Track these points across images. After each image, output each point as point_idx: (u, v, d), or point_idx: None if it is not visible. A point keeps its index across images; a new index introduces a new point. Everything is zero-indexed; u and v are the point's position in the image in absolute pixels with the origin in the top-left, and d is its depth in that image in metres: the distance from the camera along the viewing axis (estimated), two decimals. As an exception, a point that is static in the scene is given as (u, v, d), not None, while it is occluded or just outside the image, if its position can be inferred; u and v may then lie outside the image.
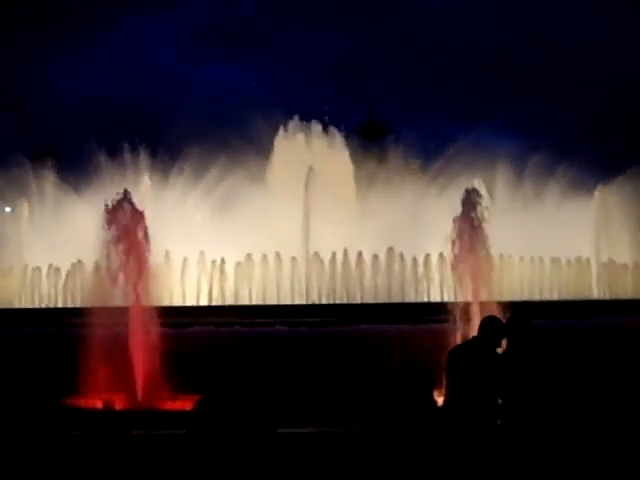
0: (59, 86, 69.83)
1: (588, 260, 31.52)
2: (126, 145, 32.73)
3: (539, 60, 65.58)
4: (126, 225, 18.38)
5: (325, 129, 35.50)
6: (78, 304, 25.52)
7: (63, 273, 28.68)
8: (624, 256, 32.96)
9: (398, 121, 48.28)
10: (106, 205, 18.36)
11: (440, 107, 63.81)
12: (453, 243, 19.27)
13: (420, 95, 64.07)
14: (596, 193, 33.44)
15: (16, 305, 28.45)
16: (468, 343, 10.14)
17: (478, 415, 9.35)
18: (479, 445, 9.09)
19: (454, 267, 19.31)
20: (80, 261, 27.05)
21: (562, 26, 69.37)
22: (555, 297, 29.16)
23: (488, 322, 9.97)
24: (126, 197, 18.56)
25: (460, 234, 19.23)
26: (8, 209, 34.26)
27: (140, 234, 18.32)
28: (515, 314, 9.84)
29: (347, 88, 62.32)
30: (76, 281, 28.10)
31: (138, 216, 18.42)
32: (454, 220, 19.37)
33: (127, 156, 32.67)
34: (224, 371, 7.58)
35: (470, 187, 20.76)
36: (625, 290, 31.11)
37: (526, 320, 9.81)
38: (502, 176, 33.39)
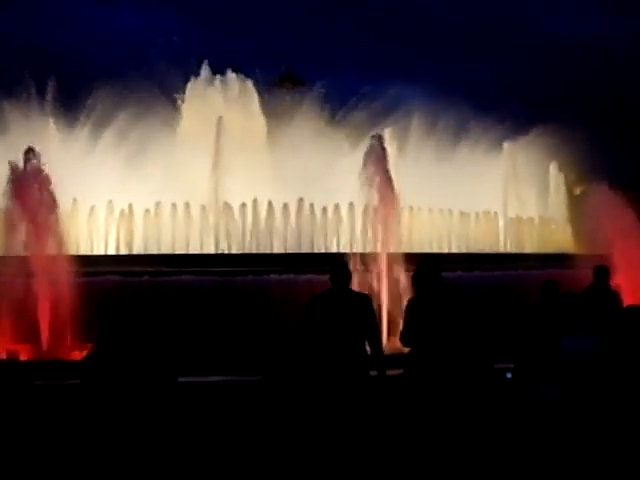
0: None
1: (496, 214, 32.04)
2: (31, 88, 31.73)
3: (459, 18, 65.87)
4: (32, 172, 18.07)
5: (238, 78, 35.15)
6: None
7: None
8: (530, 211, 33.60)
9: (313, 73, 48.08)
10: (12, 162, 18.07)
11: (355, 60, 63.82)
12: (362, 193, 19.34)
13: (336, 48, 63.95)
14: (504, 149, 33.90)
15: None
16: (322, 294, 9.99)
17: (349, 365, 9.35)
18: (358, 392, 9.17)
19: (363, 218, 19.43)
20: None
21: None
22: (463, 250, 29.55)
23: (336, 268, 9.89)
24: (32, 150, 18.28)
25: (368, 184, 19.29)
26: None
27: (46, 181, 18.01)
28: (422, 263, 9.76)
29: (263, 39, 61.74)
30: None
31: (44, 162, 18.14)
32: (362, 169, 19.41)
33: (32, 99, 31.70)
34: (122, 320, 7.51)
35: (376, 134, 20.73)
36: (531, 244, 31.77)
37: (434, 270, 9.78)
38: (414, 128, 33.54)
